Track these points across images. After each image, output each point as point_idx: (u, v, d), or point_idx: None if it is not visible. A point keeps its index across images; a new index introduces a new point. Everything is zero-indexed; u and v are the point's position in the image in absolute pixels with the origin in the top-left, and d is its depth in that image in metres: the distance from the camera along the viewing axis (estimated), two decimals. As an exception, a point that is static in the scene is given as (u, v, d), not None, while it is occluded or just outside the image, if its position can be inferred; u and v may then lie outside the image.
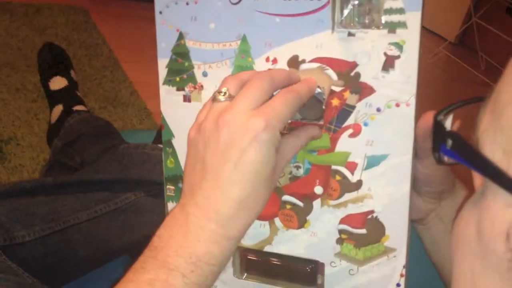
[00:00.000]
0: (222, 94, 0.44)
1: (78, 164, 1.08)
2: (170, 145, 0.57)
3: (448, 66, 2.56)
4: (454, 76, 2.51)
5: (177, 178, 0.58)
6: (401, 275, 0.52)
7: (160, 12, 0.54)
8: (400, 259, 0.52)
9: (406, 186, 0.50)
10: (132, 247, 0.75)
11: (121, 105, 1.57)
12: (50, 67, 1.38)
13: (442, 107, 0.39)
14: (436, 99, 2.00)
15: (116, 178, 0.82)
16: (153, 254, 0.41)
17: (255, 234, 0.55)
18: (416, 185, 0.52)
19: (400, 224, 0.51)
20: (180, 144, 0.56)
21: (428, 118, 0.45)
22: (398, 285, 0.53)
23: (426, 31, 2.76)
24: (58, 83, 1.33)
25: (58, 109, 1.28)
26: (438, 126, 0.37)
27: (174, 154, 0.57)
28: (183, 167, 0.56)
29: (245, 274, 0.58)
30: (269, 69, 0.51)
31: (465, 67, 2.46)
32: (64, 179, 0.79)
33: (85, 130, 1.13)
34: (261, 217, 0.55)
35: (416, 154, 0.49)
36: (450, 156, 0.33)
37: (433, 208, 0.54)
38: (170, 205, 0.59)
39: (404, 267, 0.52)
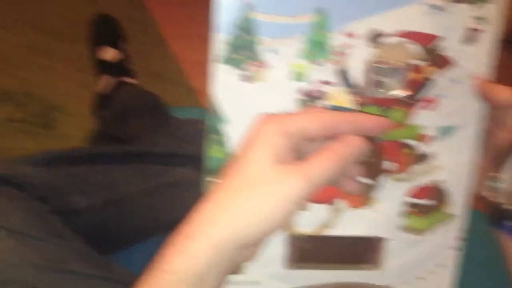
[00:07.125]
0: None
1: (127, 136, 1.08)
2: (219, 131, 0.50)
3: None
4: None
5: None
6: (461, 239, 0.54)
7: None
8: (460, 224, 0.54)
9: (470, 154, 0.52)
10: (181, 223, 0.75)
11: (168, 81, 1.57)
12: (103, 37, 1.39)
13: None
14: None
15: (170, 152, 0.81)
16: None
17: (314, 219, 0.53)
18: None
19: (462, 191, 0.53)
20: (235, 129, 0.49)
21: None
22: (457, 249, 0.55)
23: None
24: (109, 53, 1.34)
25: (108, 79, 1.28)
26: None
27: (221, 142, 0.50)
28: None
29: (297, 264, 0.54)
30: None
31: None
32: (121, 149, 0.79)
33: (135, 102, 1.14)
34: (322, 200, 0.52)
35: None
36: None
37: None
38: None
39: (463, 231, 0.54)
